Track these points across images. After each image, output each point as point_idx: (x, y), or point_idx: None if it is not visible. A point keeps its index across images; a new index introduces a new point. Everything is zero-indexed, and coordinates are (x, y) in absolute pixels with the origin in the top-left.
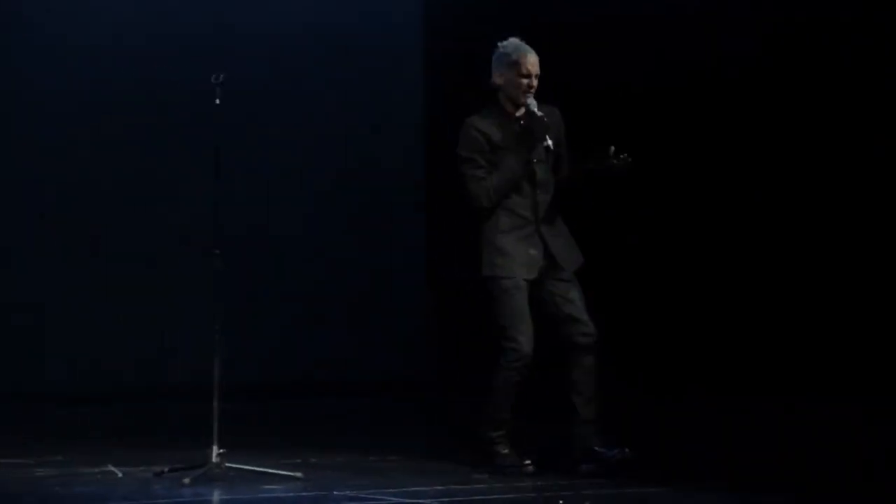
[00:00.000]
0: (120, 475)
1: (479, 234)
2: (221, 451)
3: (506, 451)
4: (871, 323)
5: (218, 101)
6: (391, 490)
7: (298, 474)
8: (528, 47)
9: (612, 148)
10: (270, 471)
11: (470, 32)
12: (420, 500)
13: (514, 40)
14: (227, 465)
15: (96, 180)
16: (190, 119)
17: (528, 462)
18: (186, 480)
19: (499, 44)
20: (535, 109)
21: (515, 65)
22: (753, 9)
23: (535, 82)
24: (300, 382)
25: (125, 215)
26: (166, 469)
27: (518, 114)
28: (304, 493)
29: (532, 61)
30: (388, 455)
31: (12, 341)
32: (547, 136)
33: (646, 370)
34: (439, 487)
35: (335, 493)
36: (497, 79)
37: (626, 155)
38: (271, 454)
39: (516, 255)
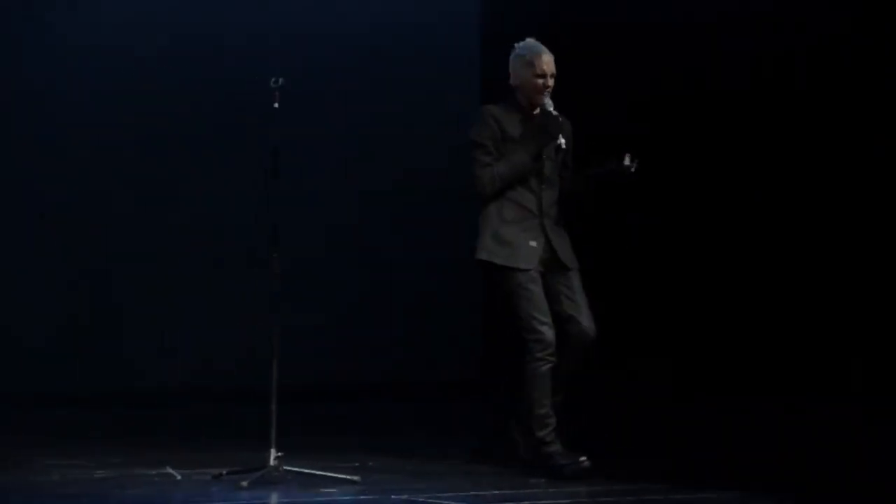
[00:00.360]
0: (178, 477)
1: (481, 219)
2: (279, 454)
3: (558, 448)
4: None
5: (276, 105)
6: (448, 494)
7: (356, 478)
8: (542, 47)
9: (627, 155)
10: (328, 474)
11: (528, 33)
12: None
13: (529, 41)
14: (285, 468)
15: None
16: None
17: (583, 458)
18: (244, 483)
19: (515, 45)
20: (551, 108)
21: (530, 65)
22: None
23: (550, 82)
24: (355, 385)
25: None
26: (224, 472)
27: (535, 112)
28: (361, 497)
29: (547, 61)
30: (444, 458)
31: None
32: (560, 136)
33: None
34: (496, 492)
35: (393, 496)
36: (514, 79)
37: (636, 161)
38: (328, 457)
39: (517, 245)
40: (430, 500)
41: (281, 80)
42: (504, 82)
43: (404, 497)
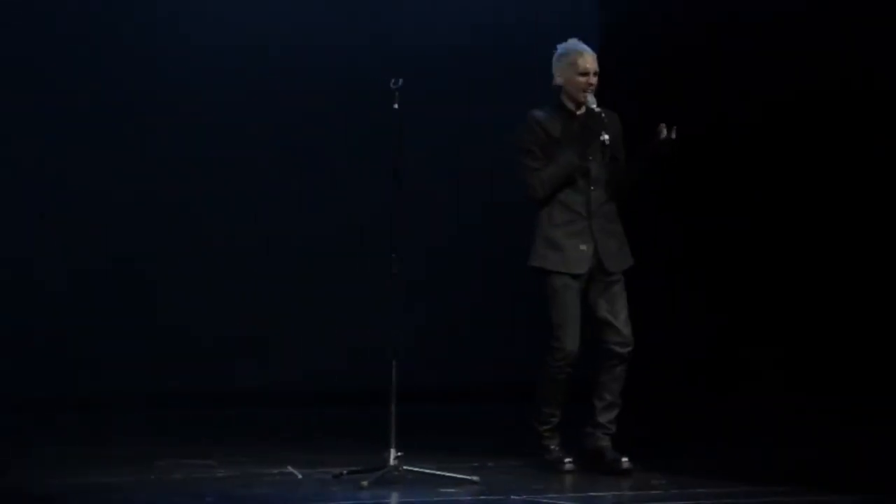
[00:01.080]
0: (299, 477)
1: (534, 225)
2: (399, 454)
3: (552, 446)
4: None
5: (396, 106)
6: (568, 494)
7: (475, 478)
8: (585, 46)
9: (662, 126)
10: (447, 474)
11: (647, 37)
12: None
13: (572, 41)
14: (405, 467)
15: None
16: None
17: (568, 460)
18: (364, 483)
19: (558, 45)
20: (594, 106)
21: (573, 64)
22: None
23: (593, 80)
24: (474, 387)
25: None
26: (345, 471)
27: (579, 112)
28: (481, 497)
29: (589, 60)
30: (563, 459)
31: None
32: (604, 132)
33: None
34: (615, 493)
35: (512, 497)
36: (557, 79)
37: (673, 128)
38: (447, 458)
39: (567, 249)
40: (549, 501)
41: (401, 80)
42: (622, 86)
43: (523, 497)
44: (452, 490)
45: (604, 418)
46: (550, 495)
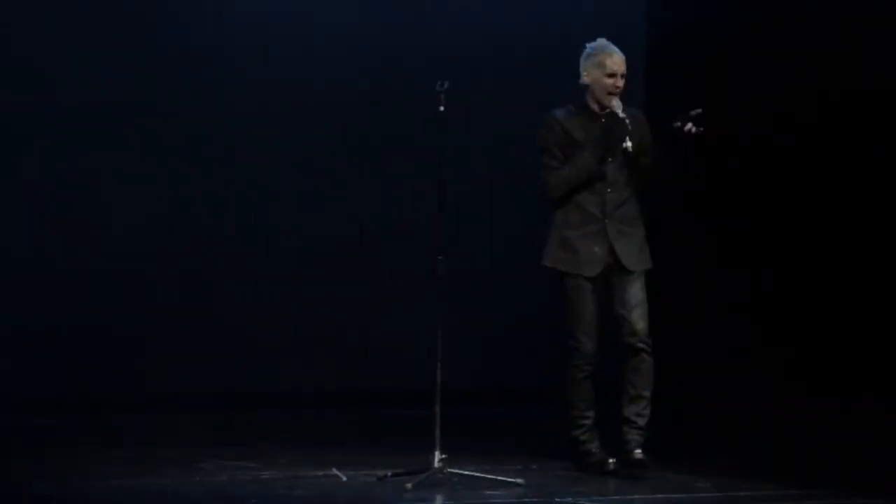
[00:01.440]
0: (343, 479)
1: (549, 225)
2: (443, 456)
3: (592, 448)
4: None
5: (442, 109)
6: (612, 497)
7: (520, 480)
8: (614, 47)
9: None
10: (492, 477)
11: (693, 37)
12: None
13: (601, 41)
14: (449, 470)
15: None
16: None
17: (612, 460)
18: (409, 485)
19: (587, 44)
20: (619, 111)
21: (601, 65)
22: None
23: (620, 82)
24: (518, 389)
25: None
26: (389, 473)
27: (602, 113)
28: (525, 500)
29: (618, 61)
30: (607, 460)
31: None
32: (627, 138)
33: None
34: (660, 496)
35: (556, 499)
36: (584, 78)
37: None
38: (492, 460)
39: (580, 251)
40: None
41: (446, 83)
42: (670, 84)
43: (568, 500)
44: (497, 492)
45: (629, 412)
46: (594, 498)
